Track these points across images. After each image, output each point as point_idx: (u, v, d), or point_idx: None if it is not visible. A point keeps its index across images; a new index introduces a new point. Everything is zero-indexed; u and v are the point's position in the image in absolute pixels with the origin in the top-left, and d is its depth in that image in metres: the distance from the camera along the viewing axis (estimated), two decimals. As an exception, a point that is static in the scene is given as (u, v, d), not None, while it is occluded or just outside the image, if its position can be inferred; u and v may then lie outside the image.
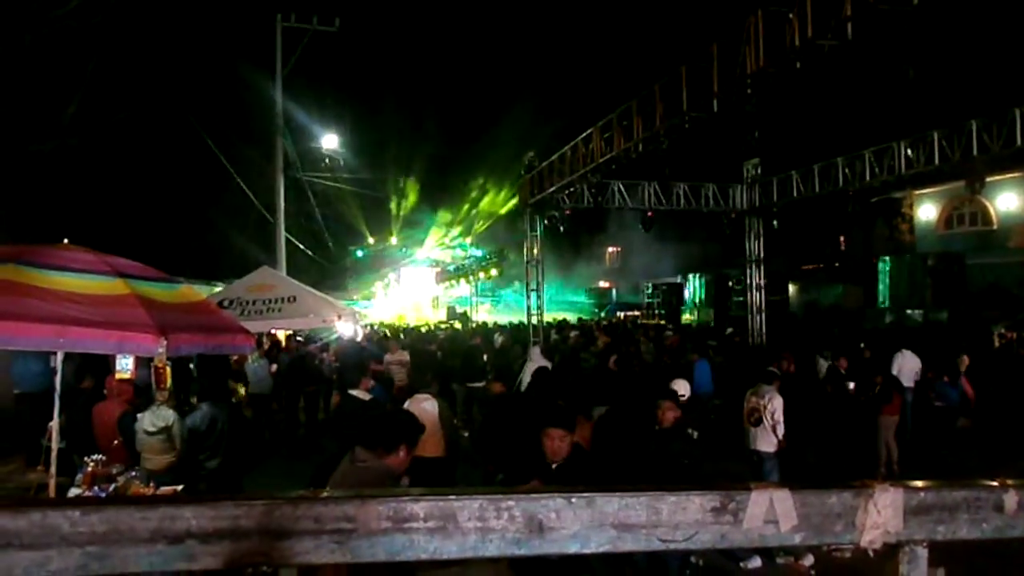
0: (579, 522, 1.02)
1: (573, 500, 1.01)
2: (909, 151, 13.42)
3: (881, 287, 21.99)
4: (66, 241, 5.30)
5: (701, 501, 1.06)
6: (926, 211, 25.74)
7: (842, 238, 29.22)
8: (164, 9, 14.99)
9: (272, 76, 17.75)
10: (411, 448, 3.57)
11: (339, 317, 11.98)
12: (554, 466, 4.00)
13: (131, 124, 16.11)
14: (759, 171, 18.14)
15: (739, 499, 1.07)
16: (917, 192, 24.37)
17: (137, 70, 15.34)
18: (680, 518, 1.05)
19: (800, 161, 16.70)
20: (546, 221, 17.64)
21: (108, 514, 0.92)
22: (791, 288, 27.01)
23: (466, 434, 8.76)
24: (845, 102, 19.13)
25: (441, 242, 43.95)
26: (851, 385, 10.16)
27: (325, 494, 1.00)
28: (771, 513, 1.07)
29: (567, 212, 17.01)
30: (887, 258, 22.53)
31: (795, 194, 16.59)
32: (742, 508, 1.07)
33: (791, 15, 8.72)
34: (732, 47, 9.69)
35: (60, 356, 5.69)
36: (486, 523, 1.00)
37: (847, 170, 14.88)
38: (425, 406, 6.38)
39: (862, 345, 12.71)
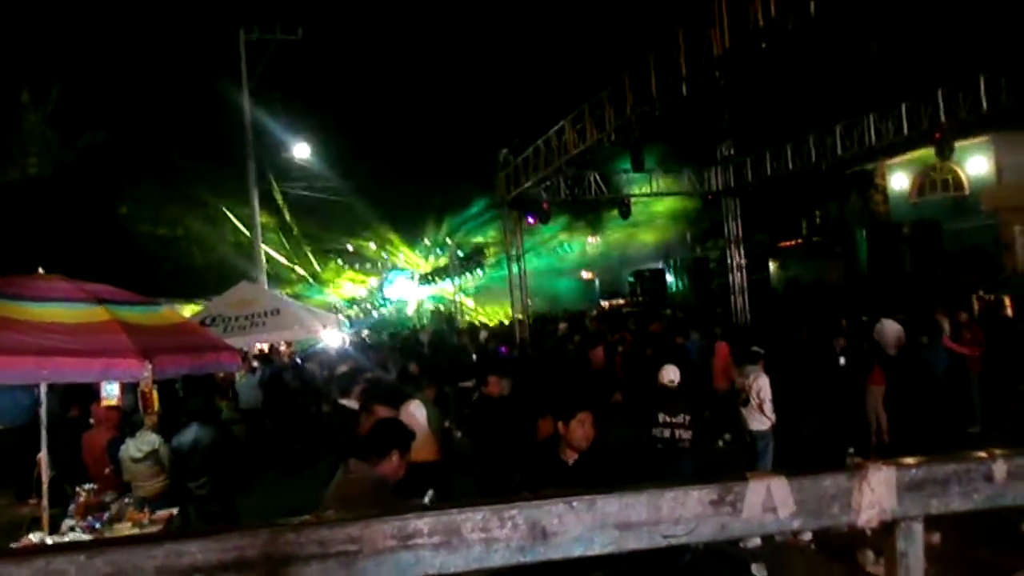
0: (581, 525, 1.03)
1: (574, 504, 1.03)
2: (878, 123, 13.59)
3: (860, 258, 22.24)
4: (40, 270, 5.22)
5: (699, 495, 1.07)
6: (898, 180, 26.04)
7: (818, 213, 29.52)
8: (127, 32, 14.82)
9: (239, 90, 17.57)
10: (404, 453, 3.57)
11: (324, 327, 11.94)
12: (571, 461, 3.96)
13: (99, 148, 15.92)
14: (732, 152, 18.28)
15: (737, 490, 1.08)
16: (889, 162, 24.65)
17: (104, 93, 15.16)
18: (680, 513, 1.06)
19: (772, 140, 16.86)
20: (526, 217, 17.67)
21: (113, 555, 0.92)
22: (771, 266, 27.24)
23: (459, 435, 8.74)
24: (813, 79, 19.30)
25: (421, 245, 43.83)
26: (841, 360, 10.22)
27: (328, 518, 1.00)
28: (769, 501, 1.09)
29: (545, 206, 17.04)
30: (863, 230, 22.79)
31: (769, 172, 16.75)
32: (740, 499, 1.08)
33: (754, -4, 8.79)
34: (698, 31, 9.75)
35: (43, 387, 5.63)
36: (490, 533, 1.00)
37: (818, 146, 15.04)
38: (414, 411, 6.36)
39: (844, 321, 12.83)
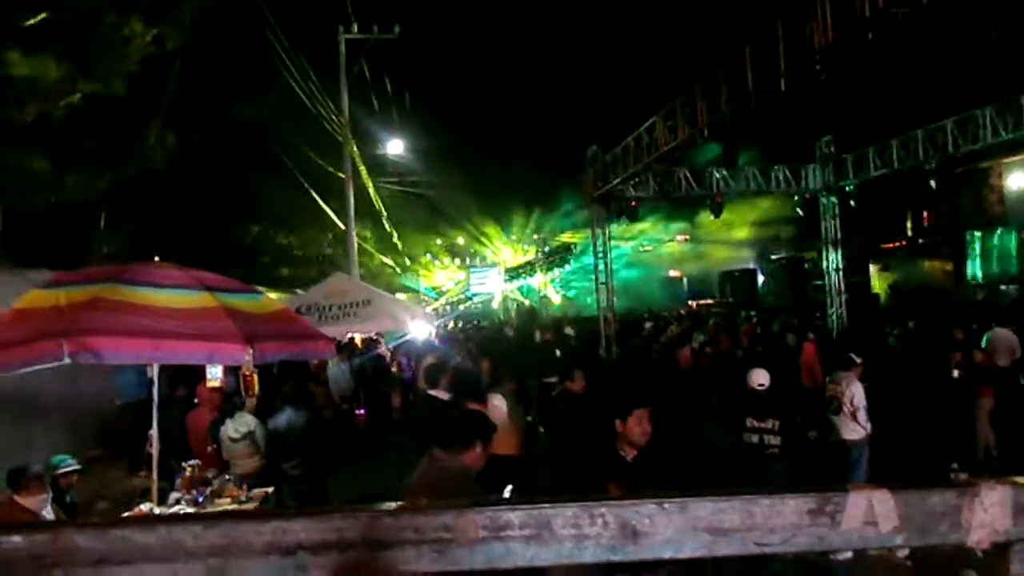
0: (672, 527, 1.02)
1: (666, 506, 1.02)
2: (995, 117, 12.69)
3: (971, 263, 20.87)
4: (156, 259, 5.59)
5: (796, 503, 1.04)
6: (1016, 180, 24.22)
7: (925, 213, 27.88)
8: (231, 31, 15.59)
9: (337, 87, 18.20)
10: (487, 445, 3.63)
11: (412, 318, 12.23)
12: (631, 457, 3.97)
13: (208, 144, 16.85)
14: (832, 149, 17.50)
15: (836, 500, 1.05)
16: (1006, 160, 22.96)
17: (210, 91, 16.02)
18: (776, 521, 1.04)
19: (876, 135, 16.02)
20: (614, 214, 17.49)
21: (226, 528, 0.99)
22: (872, 268, 25.96)
23: (542, 430, 8.77)
24: (922, 71, 18.21)
25: (507, 240, 44.17)
26: (955, 372, 9.62)
27: (424, 505, 1.04)
28: (870, 514, 1.05)
29: (633, 204, 16.82)
30: (976, 232, 21.35)
31: (872, 170, 15.93)
32: (840, 510, 1.05)
33: (860, -15, 8.36)
34: (798, 23, 9.37)
35: (156, 368, 6.03)
36: (580, 530, 1.01)
37: (928, 142, 14.19)
38: (497, 404, 6.42)
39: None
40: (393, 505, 1.01)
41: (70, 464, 5.85)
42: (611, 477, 3.85)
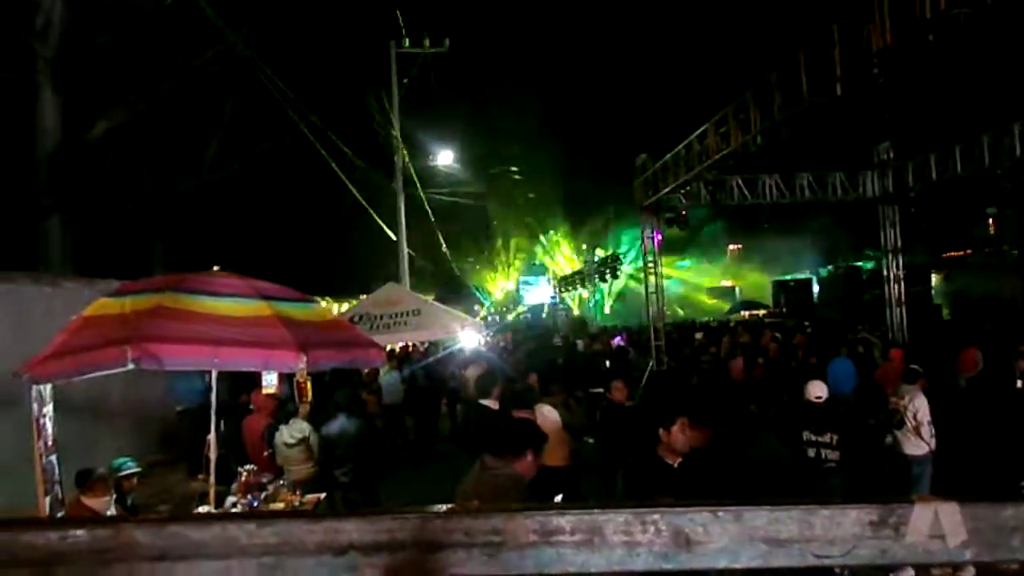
0: (727, 536, 1.00)
1: (720, 514, 1.00)
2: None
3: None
4: (216, 268, 5.75)
5: (858, 514, 1.01)
6: (1091, 185, 23.07)
7: (991, 221, 26.80)
8: (286, 43, 16.01)
9: (389, 99, 18.50)
10: (538, 454, 3.62)
11: (462, 328, 12.30)
12: (676, 464, 3.92)
13: (265, 156, 17.31)
14: (891, 155, 16.97)
15: (900, 512, 1.01)
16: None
17: (265, 104, 16.47)
18: (836, 533, 1.00)
19: (938, 141, 15.47)
20: (664, 223, 17.29)
21: (280, 527, 1.01)
22: (934, 278, 25.04)
23: (591, 441, 8.69)
24: (987, 72, 17.54)
25: (558, 250, 44.17)
26: (1020, 383, 9.22)
27: (474, 508, 1.04)
28: (937, 527, 1.00)
29: (683, 213, 16.61)
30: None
31: (934, 177, 15.37)
32: (904, 522, 1.01)
33: (920, -14, 8.12)
34: (854, 27, 9.14)
35: (215, 374, 6.20)
36: (632, 537, 1.00)
37: (993, 146, 13.63)
38: (547, 414, 6.39)
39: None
40: (444, 507, 1.02)
41: (130, 467, 6.04)
42: (656, 484, 3.82)
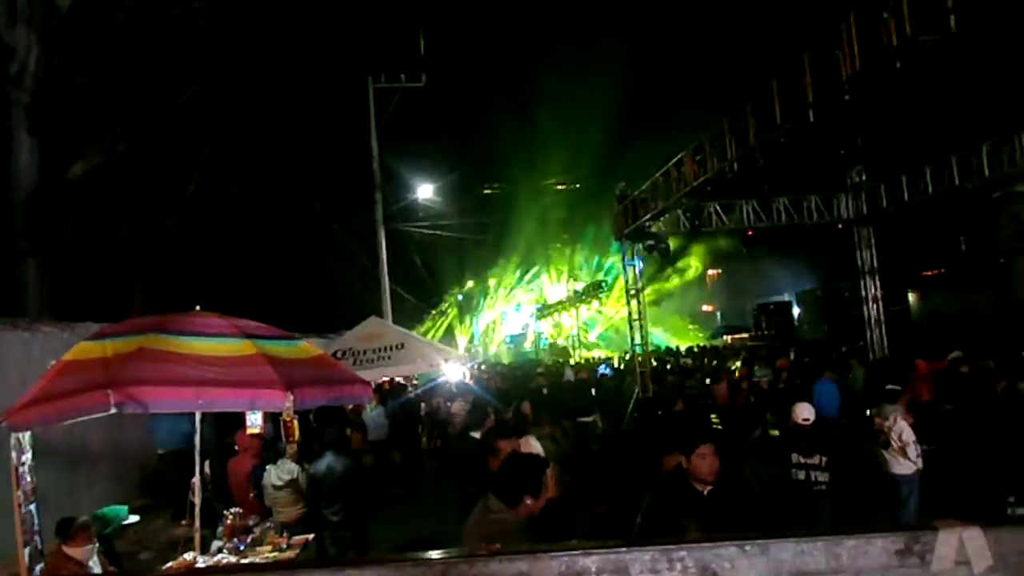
0: (754, 570, 0.99)
1: (747, 548, 0.98)
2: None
3: (1014, 287, 20.36)
4: (198, 308, 5.68)
5: (883, 544, 1.00)
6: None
7: (962, 239, 27.32)
8: (264, 80, 16.03)
9: (367, 134, 18.60)
10: (536, 495, 3.55)
11: (445, 360, 12.23)
12: (706, 491, 3.86)
13: (244, 193, 17.23)
14: (864, 177, 17.32)
15: (925, 540, 1.00)
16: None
17: (245, 142, 16.46)
18: (863, 563, 0.99)
19: (908, 163, 15.82)
20: (643, 251, 17.41)
21: (300, 578, 0.98)
22: (911, 297, 25.43)
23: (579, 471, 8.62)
24: (954, 96, 18.02)
25: (537, 280, 44.25)
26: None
27: (499, 550, 1.01)
28: (962, 553, 1.00)
29: (664, 240, 16.76)
30: (1020, 257, 20.87)
31: (906, 198, 15.69)
32: (929, 549, 1.00)
33: (886, 15, 8.35)
34: (825, 54, 9.38)
35: (198, 416, 6.08)
36: (659, 575, 0.98)
37: (962, 167, 13.96)
38: (532, 445, 6.33)
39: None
40: (467, 551, 0.99)
41: (131, 517, 5.86)
42: (689, 511, 3.76)
